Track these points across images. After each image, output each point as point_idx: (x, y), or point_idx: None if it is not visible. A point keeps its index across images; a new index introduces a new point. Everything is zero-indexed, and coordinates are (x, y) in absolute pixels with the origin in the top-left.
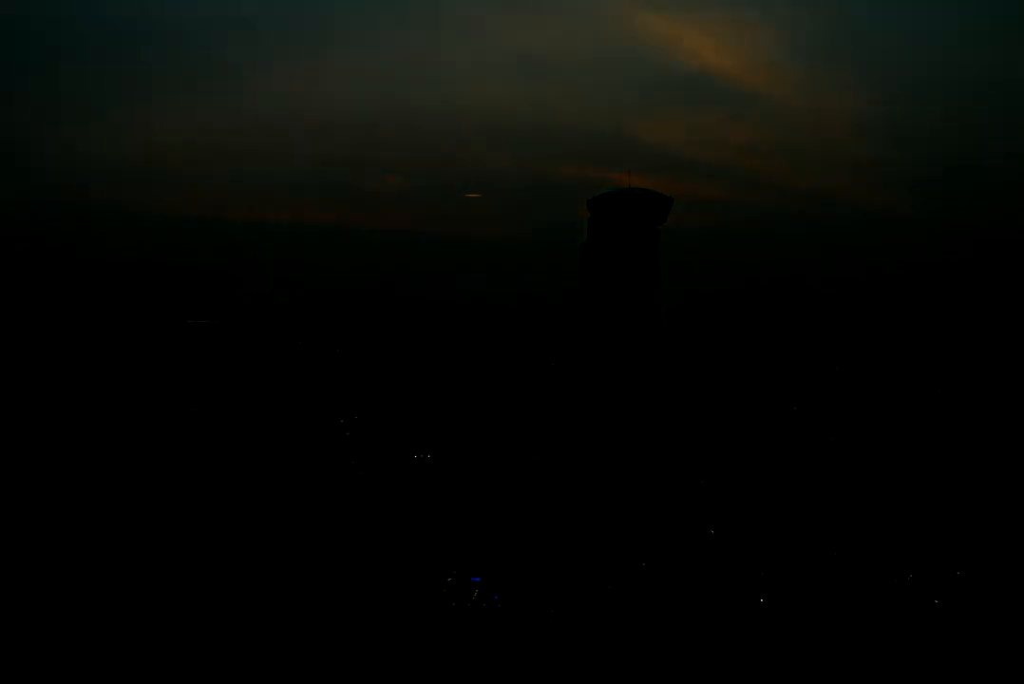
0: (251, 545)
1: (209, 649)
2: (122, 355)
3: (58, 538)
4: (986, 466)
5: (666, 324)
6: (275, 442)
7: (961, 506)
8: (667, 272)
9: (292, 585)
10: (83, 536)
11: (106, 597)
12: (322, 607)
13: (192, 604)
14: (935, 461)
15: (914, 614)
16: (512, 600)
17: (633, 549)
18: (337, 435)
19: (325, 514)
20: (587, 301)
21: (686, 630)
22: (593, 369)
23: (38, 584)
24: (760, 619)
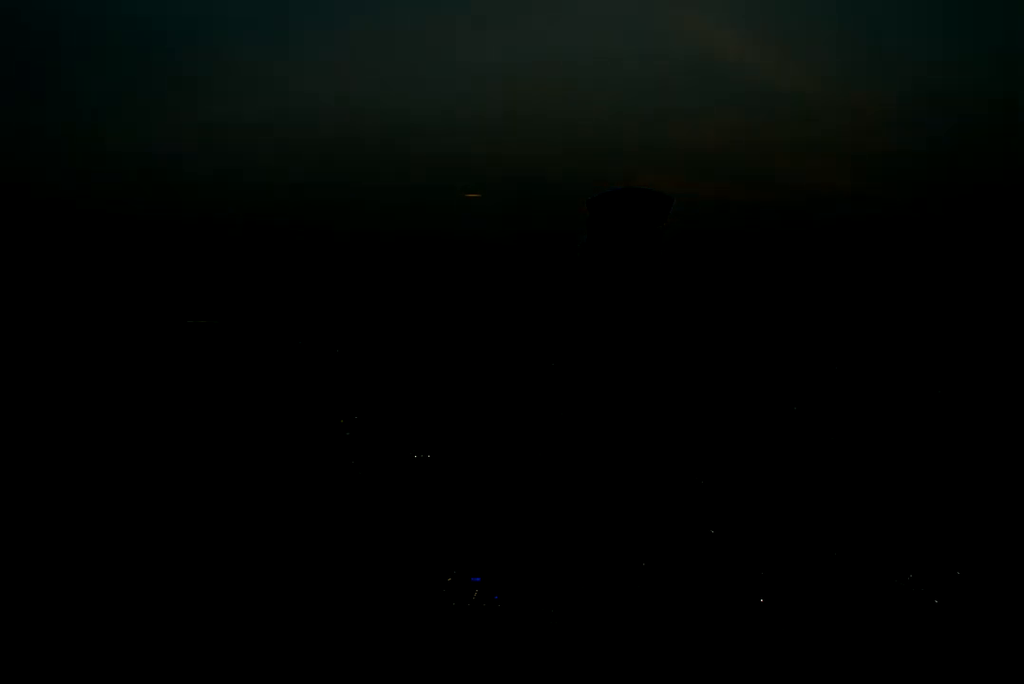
0: (250, 545)
1: (208, 649)
2: (116, 354)
3: (56, 538)
4: (987, 464)
5: (666, 324)
6: (275, 442)
7: (961, 506)
8: (669, 273)
9: (292, 585)
10: (81, 535)
11: (105, 597)
12: (322, 607)
13: (191, 604)
14: (936, 459)
15: (914, 614)
16: (512, 600)
17: (633, 549)
18: (337, 435)
19: (325, 514)
20: (586, 301)
21: (686, 630)
22: (592, 369)
23: (38, 584)
24: (760, 619)
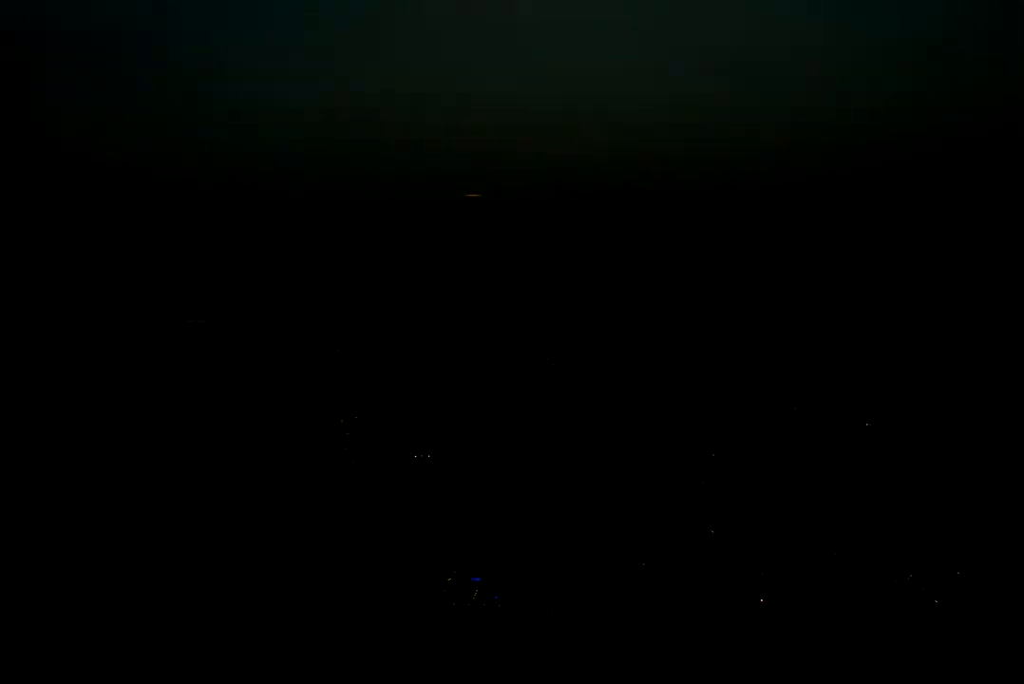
0: (250, 545)
1: (208, 649)
2: (113, 353)
3: (54, 538)
4: (987, 464)
5: (666, 323)
6: (274, 442)
7: (961, 506)
8: (669, 271)
9: (292, 585)
10: (80, 536)
11: (104, 597)
12: (322, 607)
13: (190, 604)
14: (936, 459)
15: (914, 614)
16: (512, 600)
17: (633, 549)
18: (337, 435)
19: (325, 514)
20: (586, 301)
21: (686, 630)
22: (592, 368)
23: (37, 584)
24: (760, 619)
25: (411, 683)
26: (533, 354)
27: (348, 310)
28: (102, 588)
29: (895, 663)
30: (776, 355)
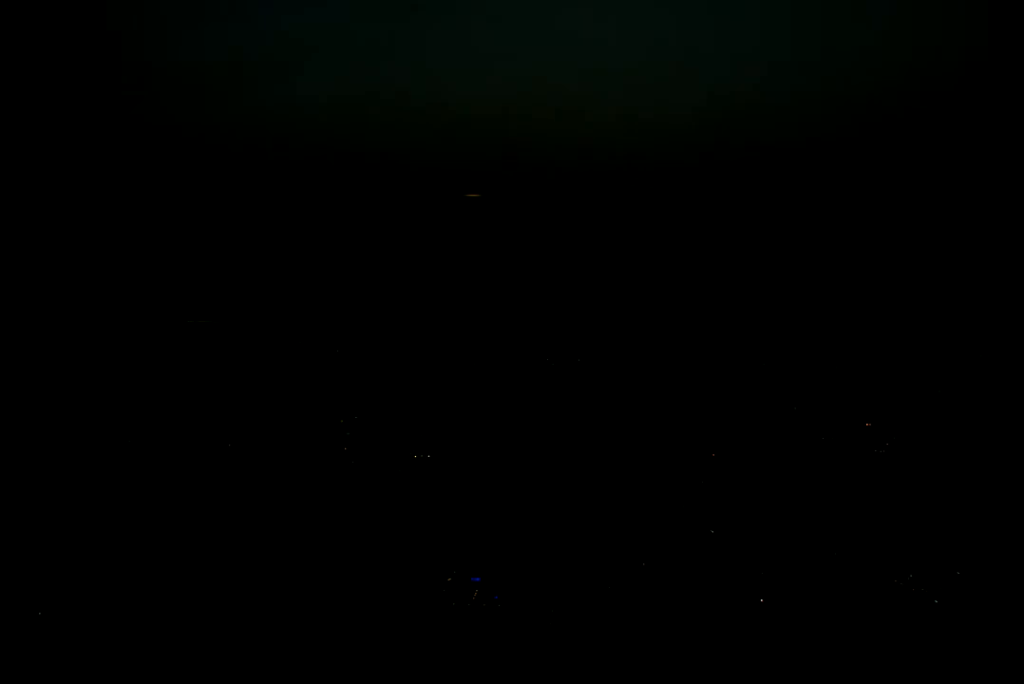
0: (249, 545)
1: (206, 649)
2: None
3: (52, 539)
4: (987, 464)
5: (666, 320)
6: (275, 442)
7: (961, 506)
8: (667, 269)
9: (291, 585)
10: (78, 538)
11: (102, 596)
12: (321, 607)
13: (188, 604)
14: (936, 459)
15: (914, 614)
16: (512, 600)
17: (633, 549)
18: (337, 435)
19: (325, 514)
20: (584, 301)
21: (686, 630)
22: (591, 366)
23: (37, 585)
24: (760, 619)
25: (411, 683)
26: (532, 353)
27: (348, 309)
28: (101, 587)
29: (895, 663)
30: (776, 354)
